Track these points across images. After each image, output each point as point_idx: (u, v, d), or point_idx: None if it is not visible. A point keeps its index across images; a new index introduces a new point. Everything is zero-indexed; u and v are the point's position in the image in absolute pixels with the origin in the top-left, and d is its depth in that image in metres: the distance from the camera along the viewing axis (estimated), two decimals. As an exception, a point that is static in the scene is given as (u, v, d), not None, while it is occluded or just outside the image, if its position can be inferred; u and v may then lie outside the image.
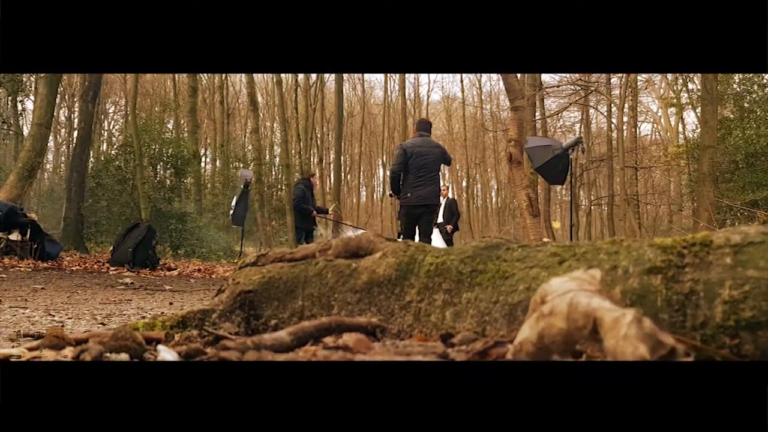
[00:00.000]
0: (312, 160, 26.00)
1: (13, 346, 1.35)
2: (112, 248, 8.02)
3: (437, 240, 8.96)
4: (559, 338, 0.74)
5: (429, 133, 6.16)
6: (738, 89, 14.53)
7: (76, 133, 14.48)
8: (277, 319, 1.41)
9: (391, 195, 6.41)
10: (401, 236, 6.06)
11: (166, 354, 1.07)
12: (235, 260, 11.46)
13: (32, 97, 14.81)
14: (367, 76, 33.39)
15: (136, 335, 1.14)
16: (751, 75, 13.24)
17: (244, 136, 30.81)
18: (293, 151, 22.04)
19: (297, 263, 1.47)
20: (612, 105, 20.72)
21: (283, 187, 20.77)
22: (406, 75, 27.53)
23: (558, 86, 15.97)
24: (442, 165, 6.13)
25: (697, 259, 0.91)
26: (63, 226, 11.59)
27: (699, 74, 14.01)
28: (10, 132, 15.40)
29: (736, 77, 14.10)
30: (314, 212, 8.72)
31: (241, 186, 10.85)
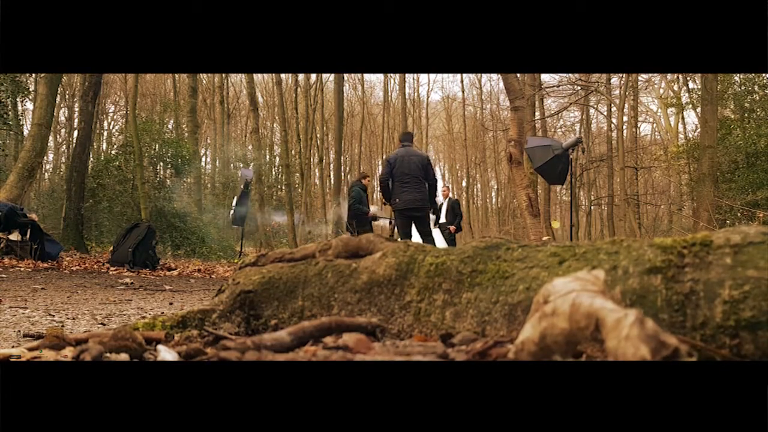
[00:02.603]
0: (312, 160, 26.01)
1: (13, 346, 1.35)
2: (112, 248, 8.01)
3: (438, 240, 8.94)
4: (561, 338, 0.74)
5: (411, 143, 6.77)
6: (738, 89, 14.52)
7: (76, 133, 14.48)
8: (277, 319, 1.41)
9: (386, 202, 6.87)
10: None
11: (166, 354, 1.07)
12: (235, 260, 11.46)
13: (31, 97, 14.80)
14: (367, 76, 33.41)
15: (136, 335, 1.14)
16: (752, 75, 13.23)
17: (245, 137, 30.81)
18: (293, 151, 22.05)
19: (297, 263, 1.47)
20: (612, 105, 20.72)
21: (283, 187, 20.76)
22: (406, 75, 27.53)
23: (558, 86, 15.96)
24: (426, 172, 6.54)
25: (697, 259, 0.91)
26: (63, 226, 11.59)
27: (699, 74, 14.01)
28: (11, 132, 15.40)
29: (737, 77, 14.09)
30: (370, 213, 8.59)
31: (242, 186, 10.85)
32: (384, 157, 33.08)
